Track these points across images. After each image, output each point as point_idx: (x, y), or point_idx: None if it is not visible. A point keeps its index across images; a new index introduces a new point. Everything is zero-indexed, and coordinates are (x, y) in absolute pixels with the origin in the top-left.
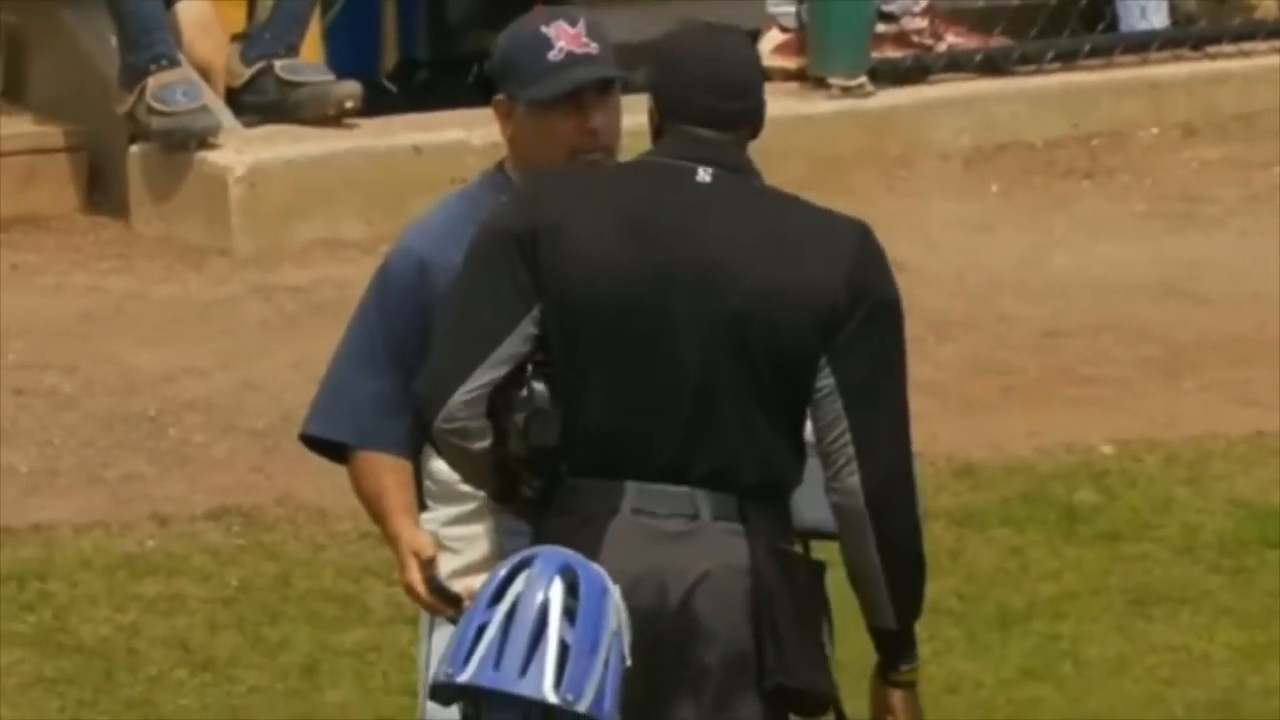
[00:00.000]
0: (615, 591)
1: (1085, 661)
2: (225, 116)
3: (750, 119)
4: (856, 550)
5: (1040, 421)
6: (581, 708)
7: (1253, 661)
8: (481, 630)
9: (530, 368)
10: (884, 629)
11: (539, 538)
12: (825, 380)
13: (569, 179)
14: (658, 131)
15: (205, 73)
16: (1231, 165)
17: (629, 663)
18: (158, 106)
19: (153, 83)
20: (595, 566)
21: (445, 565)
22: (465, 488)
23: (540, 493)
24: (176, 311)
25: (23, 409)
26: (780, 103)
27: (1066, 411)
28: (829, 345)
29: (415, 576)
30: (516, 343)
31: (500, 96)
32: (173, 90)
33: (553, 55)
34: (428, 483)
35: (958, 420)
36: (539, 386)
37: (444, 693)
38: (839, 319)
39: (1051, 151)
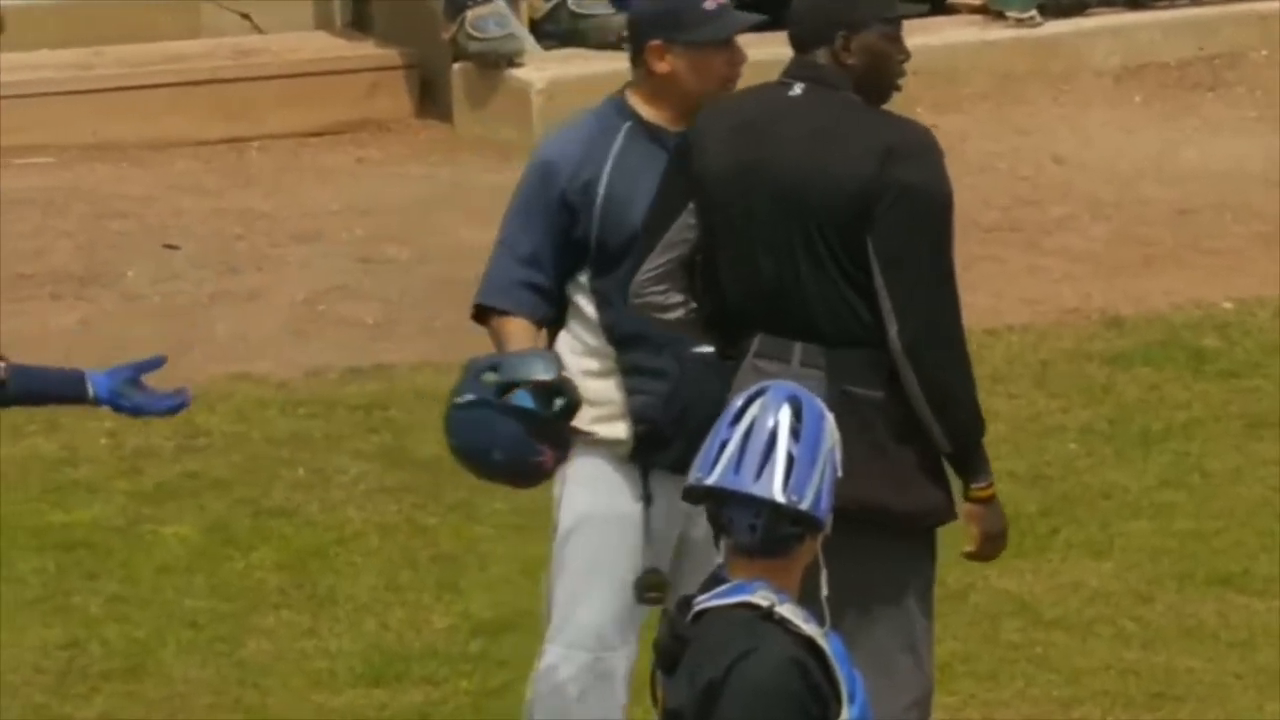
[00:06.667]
0: (830, 418)
1: (1209, 473)
2: (529, 42)
3: (809, 40)
4: (907, 386)
5: (1174, 282)
6: (804, 506)
7: None
8: (724, 445)
9: None
10: (943, 453)
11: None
12: (870, 250)
13: (714, 104)
14: None
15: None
16: None
17: (840, 474)
18: (475, 33)
19: (471, 14)
20: (816, 398)
21: (584, 414)
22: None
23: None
24: (492, 195)
25: (368, 273)
26: (967, 31)
27: (1195, 274)
28: (868, 222)
29: None
30: (676, 231)
31: (656, 42)
32: (487, 20)
33: (708, 5)
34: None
35: (1107, 281)
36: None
37: (693, 494)
38: (870, 201)
39: (1182, 69)
